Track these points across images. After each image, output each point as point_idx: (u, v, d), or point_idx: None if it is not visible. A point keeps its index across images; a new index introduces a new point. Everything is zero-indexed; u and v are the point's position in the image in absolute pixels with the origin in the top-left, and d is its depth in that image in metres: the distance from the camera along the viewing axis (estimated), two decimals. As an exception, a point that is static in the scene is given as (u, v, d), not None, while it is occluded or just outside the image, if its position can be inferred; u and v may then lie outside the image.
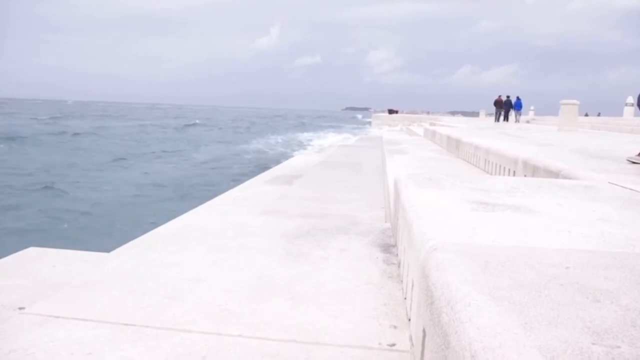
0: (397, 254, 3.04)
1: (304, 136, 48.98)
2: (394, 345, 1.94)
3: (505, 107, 24.96)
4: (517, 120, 25.09)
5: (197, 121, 75.54)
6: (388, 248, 3.25)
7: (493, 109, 26.08)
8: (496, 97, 24.47)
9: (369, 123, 52.75)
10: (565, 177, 3.78)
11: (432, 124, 19.77)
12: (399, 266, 2.82)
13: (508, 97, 25.01)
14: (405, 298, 2.33)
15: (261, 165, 20.49)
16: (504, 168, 5.40)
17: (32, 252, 3.29)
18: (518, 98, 25.40)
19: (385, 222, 4.24)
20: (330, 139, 35.93)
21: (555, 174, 3.98)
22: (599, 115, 25.70)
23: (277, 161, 15.87)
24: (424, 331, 1.46)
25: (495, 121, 24.05)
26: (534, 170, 4.47)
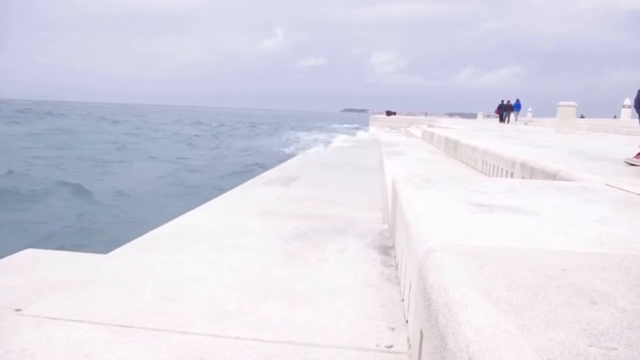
0: (394, 256, 3.04)
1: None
2: (391, 346, 1.94)
3: (500, 111, 27.79)
4: (516, 120, 27.78)
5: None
6: (386, 250, 3.25)
7: (491, 111, 28.40)
8: (506, 103, 27.73)
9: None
10: (562, 179, 3.78)
11: (430, 126, 19.78)
12: (396, 268, 2.82)
13: (502, 101, 27.94)
14: (402, 300, 2.33)
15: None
16: (502, 169, 5.41)
17: (29, 253, 3.28)
18: (518, 100, 28.58)
19: (383, 223, 4.24)
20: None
21: (552, 176, 3.99)
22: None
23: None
24: (421, 333, 1.46)
25: (507, 123, 26.77)
26: (531, 171, 4.47)
